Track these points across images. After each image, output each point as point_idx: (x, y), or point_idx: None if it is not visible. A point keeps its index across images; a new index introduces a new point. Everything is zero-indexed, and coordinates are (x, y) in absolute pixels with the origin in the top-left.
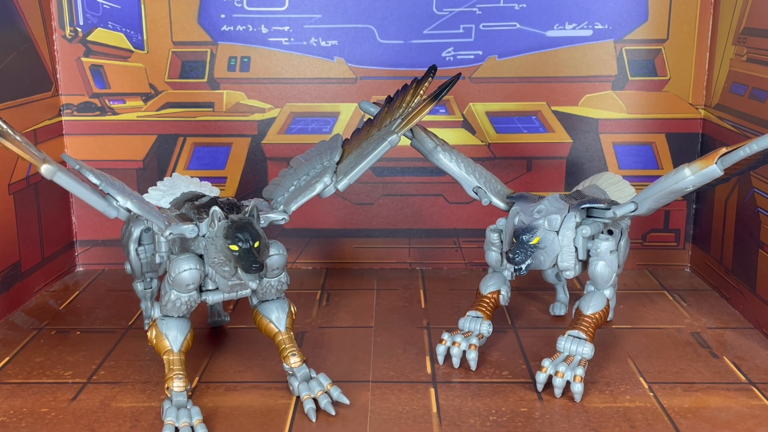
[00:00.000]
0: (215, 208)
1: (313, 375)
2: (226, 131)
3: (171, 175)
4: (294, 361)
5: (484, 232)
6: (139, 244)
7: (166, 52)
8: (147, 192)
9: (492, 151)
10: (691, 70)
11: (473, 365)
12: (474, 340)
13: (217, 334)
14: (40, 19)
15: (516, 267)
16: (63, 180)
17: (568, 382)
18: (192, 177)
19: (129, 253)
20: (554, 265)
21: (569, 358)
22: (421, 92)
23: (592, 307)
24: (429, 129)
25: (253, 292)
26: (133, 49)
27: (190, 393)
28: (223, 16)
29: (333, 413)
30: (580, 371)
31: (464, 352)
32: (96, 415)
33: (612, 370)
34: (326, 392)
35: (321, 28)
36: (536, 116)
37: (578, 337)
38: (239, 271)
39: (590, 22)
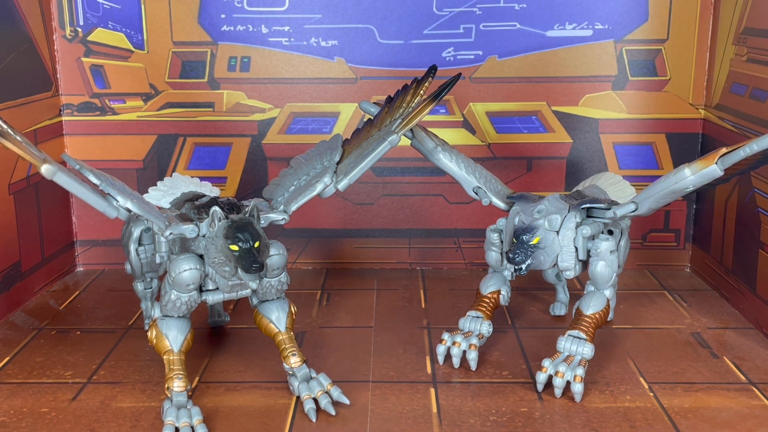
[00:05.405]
0: (215, 208)
1: (314, 375)
2: (226, 131)
3: (171, 175)
4: (294, 361)
5: (484, 232)
6: (140, 244)
7: (166, 52)
8: (147, 192)
9: (492, 151)
10: (691, 70)
11: (473, 365)
12: (474, 340)
13: (217, 334)
14: (40, 19)
15: (516, 267)
16: (63, 180)
17: (568, 382)
18: (192, 177)
19: (129, 253)
20: (554, 265)
21: (569, 358)
22: (422, 92)
23: (592, 307)
24: (429, 129)
25: (253, 292)
26: (133, 49)
27: (190, 393)
28: (223, 16)
29: (333, 413)
30: (580, 371)
31: (464, 352)
32: (96, 415)
33: (612, 370)
34: (326, 392)
35: (321, 28)
36: (536, 116)
37: (578, 337)
38: (239, 271)
39: (590, 22)
